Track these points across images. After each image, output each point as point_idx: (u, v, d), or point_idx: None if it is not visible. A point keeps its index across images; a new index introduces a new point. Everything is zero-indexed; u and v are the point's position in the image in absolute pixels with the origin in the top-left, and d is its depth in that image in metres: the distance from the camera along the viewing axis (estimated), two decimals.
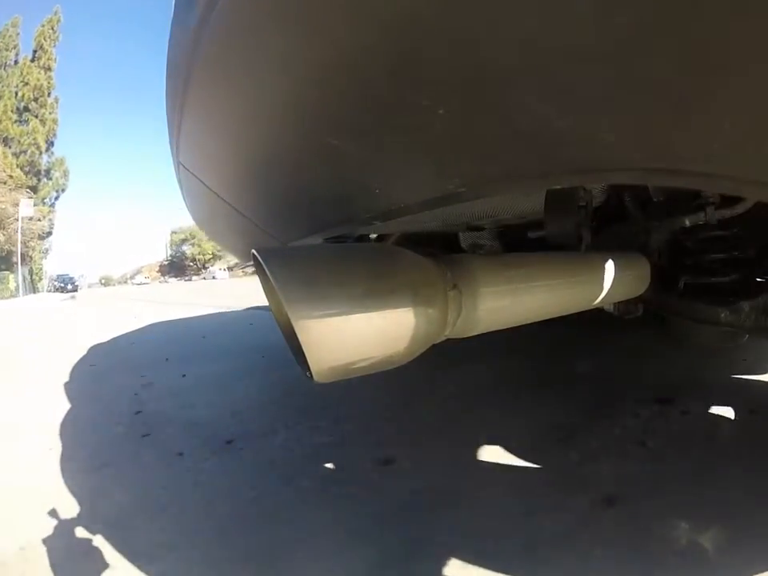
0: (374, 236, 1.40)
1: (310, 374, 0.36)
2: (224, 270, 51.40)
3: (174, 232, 61.64)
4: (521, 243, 1.01)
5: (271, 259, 0.35)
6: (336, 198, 0.54)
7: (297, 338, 0.33)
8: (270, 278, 0.33)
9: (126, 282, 63.42)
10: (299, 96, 0.38)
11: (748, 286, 0.76)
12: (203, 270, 54.53)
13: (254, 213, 0.75)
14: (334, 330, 0.34)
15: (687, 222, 0.68)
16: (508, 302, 0.49)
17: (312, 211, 0.62)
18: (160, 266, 68.48)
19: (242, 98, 0.44)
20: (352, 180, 0.48)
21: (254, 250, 0.37)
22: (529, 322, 0.54)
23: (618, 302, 0.86)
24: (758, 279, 0.82)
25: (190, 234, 58.19)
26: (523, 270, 0.52)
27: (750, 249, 0.76)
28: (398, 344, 0.38)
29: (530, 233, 0.95)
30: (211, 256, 56.72)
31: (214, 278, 45.60)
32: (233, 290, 10.19)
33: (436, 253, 0.48)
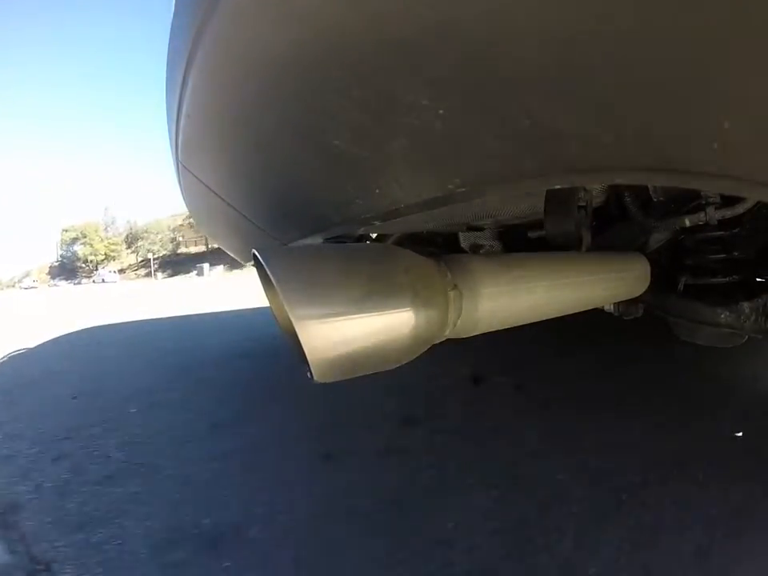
0: (373, 236, 1.40)
1: (311, 373, 0.36)
2: (114, 272, 48.38)
3: (65, 230, 58.00)
4: (521, 243, 1.01)
5: (272, 259, 0.35)
6: (336, 198, 0.54)
7: (298, 338, 0.33)
8: (271, 278, 0.33)
9: (13, 286, 58.68)
10: (299, 96, 0.38)
11: (748, 286, 0.76)
12: (94, 273, 51.33)
13: (254, 213, 0.75)
14: (335, 330, 0.34)
15: (687, 222, 0.68)
16: (508, 302, 0.49)
17: (312, 211, 0.62)
18: (50, 267, 63.97)
19: (243, 97, 0.44)
20: (352, 180, 0.48)
21: (254, 250, 0.37)
22: (529, 322, 0.54)
23: (618, 302, 0.86)
24: (758, 279, 0.82)
25: (82, 233, 54.97)
26: (523, 270, 0.52)
27: (750, 249, 0.76)
28: (398, 344, 0.38)
29: (529, 233, 0.95)
30: (104, 257, 53.95)
31: (103, 281, 42.30)
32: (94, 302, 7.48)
33: (436, 253, 0.48)
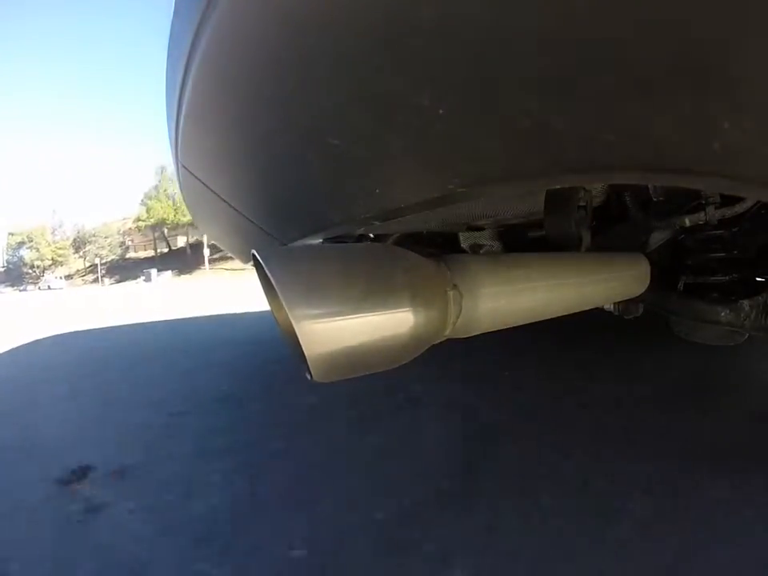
0: (373, 236, 1.41)
1: (310, 374, 0.36)
2: (61, 278, 46.48)
3: (11, 234, 55.26)
4: (521, 243, 1.01)
5: (271, 259, 0.35)
6: (336, 198, 0.54)
7: (297, 338, 0.33)
8: (270, 278, 0.33)
9: None
10: (299, 95, 0.38)
11: (748, 284, 0.76)
12: (41, 279, 48.96)
13: (254, 213, 0.75)
14: (334, 330, 0.34)
15: (687, 222, 0.68)
16: (508, 302, 0.49)
17: (312, 211, 0.62)
18: None
19: (242, 97, 0.44)
20: (352, 180, 0.48)
21: (254, 251, 0.37)
22: (529, 321, 0.54)
23: (618, 302, 0.86)
24: (758, 279, 0.82)
25: (28, 237, 52.91)
26: (523, 270, 0.52)
27: (750, 248, 0.76)
28: (397, 344, 0.38)
29: (529, 233, 0.95)
30: (51, 262, 51.88)
31: (49, 287, 40.99)
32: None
33: (436, 253, 0.48)
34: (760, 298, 0.71)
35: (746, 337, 0.85)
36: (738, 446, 0.83)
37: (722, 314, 0.74)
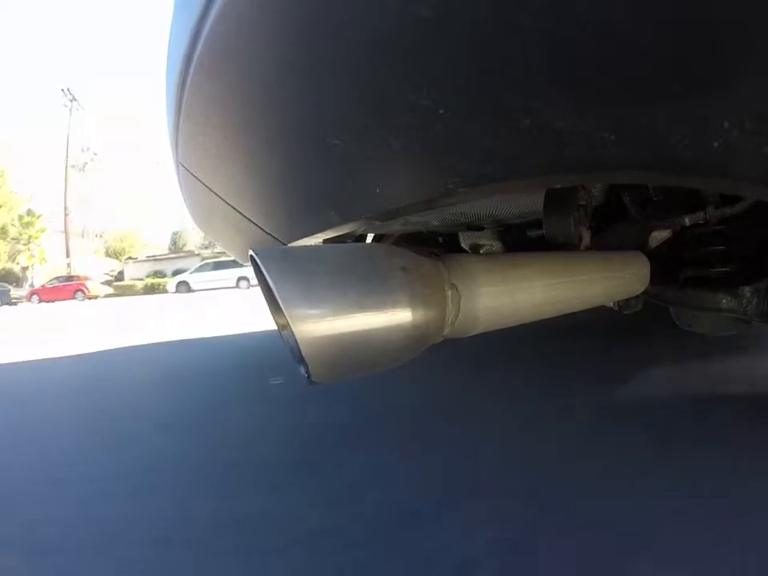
0: (373, 236, 1.41)
1: (309, 375, 0.36)
2: None
3: None
4: (521, 243, 1.01)
5: (269, 260, 0.35)
6: (336, 197, 0.54)
7: (295, 339, 0.33)
8: (267, 278, 0.33)
9: None
10: (299, 95, 0.38)
11: (748, 271, 0.76)
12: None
13: (253, 213, 0.75)
14: (332, 330, 0.34)
15: (687, 221, 0.68)
16: (507, 301, 0.49)
17: (312, 211, 0.62)
18: None
19: (242, 97, 0.44)
20: (352, 180, 0.48)
21: (251, 251, 0.37)
22: (528, 321, 0.54)
23: None
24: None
25: None
26: (522, 269, 0.52)
27: (750, 244, 0.76)
28: (395, 344, 0.38)
29: (529, 232, 0.95)
30: None
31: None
32: None
33: (435, 253, 0.48)
34: (761, 284, 0.71)
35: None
36: None
37: (723, 300, 0.73)
